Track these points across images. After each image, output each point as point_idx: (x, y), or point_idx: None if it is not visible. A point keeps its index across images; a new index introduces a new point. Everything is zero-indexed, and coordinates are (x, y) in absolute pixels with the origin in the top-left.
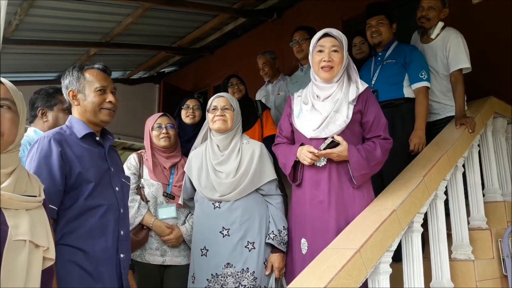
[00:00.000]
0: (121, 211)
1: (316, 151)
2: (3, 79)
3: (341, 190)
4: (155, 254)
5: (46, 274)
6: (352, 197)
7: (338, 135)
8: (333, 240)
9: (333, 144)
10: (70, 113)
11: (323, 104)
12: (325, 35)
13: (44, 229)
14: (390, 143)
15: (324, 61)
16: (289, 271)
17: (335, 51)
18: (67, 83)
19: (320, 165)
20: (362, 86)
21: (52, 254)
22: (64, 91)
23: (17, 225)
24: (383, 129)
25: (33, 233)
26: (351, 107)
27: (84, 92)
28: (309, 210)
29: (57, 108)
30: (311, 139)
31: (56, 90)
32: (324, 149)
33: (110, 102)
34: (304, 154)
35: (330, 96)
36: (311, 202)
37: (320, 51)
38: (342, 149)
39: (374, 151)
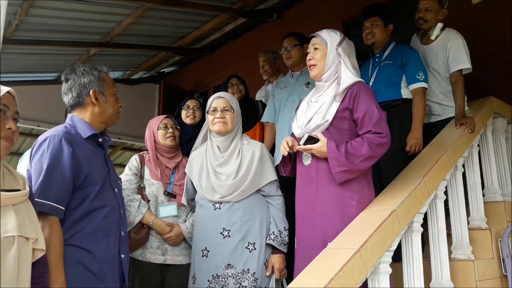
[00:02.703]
0: (121, 212)
1: (295, 143)
2: None
3: (328, 189)
4: (156, 253)
5: (41, 266)
6: (341, 196)
7: (321, 133)
8: (318, 239)
9: (314, 140)
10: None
11: (312, 104)
12: (311, 37)
13: (32, 222)
14: (383, 136)
15: (308, 60)
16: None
17: (315, 48)
18: (86, 81)
19: (307, 164)
20: (346, 82)
21: (42, 245)
22: (79, 88)
23: (5, 222)
24: (373, 123)
25: (21, 227)
26: (335, 104)
27: (105, 93)
28: (300, 208)
29: None
30: (299, 138)
31: None
32: (304, 144)
33: (121, 106)
34: (282, 144)
35: (321, 96)
36: (301, 200)
37: (308, 53)
38: (321, 145)
39: (360, 146)
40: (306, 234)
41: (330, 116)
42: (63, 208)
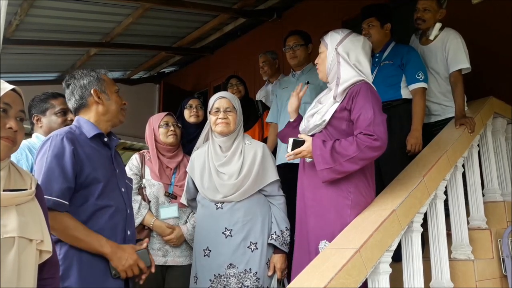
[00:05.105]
0: (128, 211)
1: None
2: None
3: (325, 188)
4: (157, 255)
5: (51, 267)
6: (336, 195)
7: (318, 132)
8: (309, 238)
9: (301, 143)
10: (64, 115)
11: (318, 104)
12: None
13: (38, 222)
14: (374, 139)
15: (315, 64)
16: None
17: (319, 53)
18: (86, 82)
19: (308, 161)
20: (345, 83)
21: (48, 247)
22: (80, 90)
23: (5, 222)
24: (366, 125)
25: (23, 228)
26: (336, 105)
27: (107, 92)
28: (299, 207)
29: (49, 113)
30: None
31: (47, 95)
32: (292, 149)
33: (125, 103)
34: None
35: (327, 96)
36: (301, 198)
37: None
38: (308, 144)
39: (348, 146)
40: (299, 232)
41: (327, 117)
42: (67, 203)
